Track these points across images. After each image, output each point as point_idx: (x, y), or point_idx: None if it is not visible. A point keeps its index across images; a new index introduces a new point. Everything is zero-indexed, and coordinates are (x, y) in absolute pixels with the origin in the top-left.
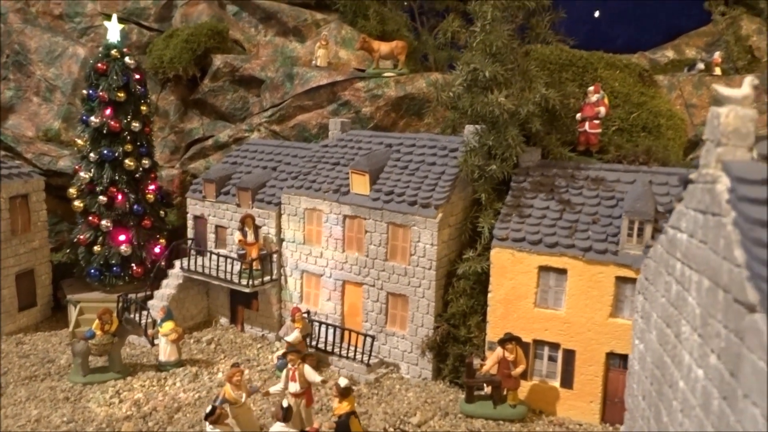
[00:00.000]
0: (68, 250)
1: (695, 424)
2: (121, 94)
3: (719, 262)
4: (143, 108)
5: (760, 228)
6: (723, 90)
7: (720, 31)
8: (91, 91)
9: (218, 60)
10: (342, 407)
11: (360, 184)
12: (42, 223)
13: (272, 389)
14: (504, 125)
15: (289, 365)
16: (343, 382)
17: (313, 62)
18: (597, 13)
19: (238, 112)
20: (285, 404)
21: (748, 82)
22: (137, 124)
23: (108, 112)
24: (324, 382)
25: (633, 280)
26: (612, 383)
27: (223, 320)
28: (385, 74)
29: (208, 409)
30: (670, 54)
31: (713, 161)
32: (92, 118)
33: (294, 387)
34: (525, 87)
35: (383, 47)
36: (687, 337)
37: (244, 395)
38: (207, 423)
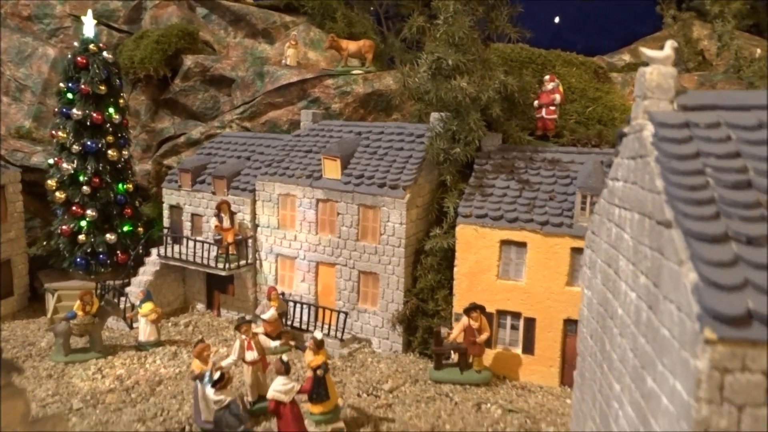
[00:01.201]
0: (45, 242)
1: (630, 340)
2: (103, 87)
3: (645, 195)
4: (121, 101)
5: (676, 160)
6: (648, 52)
7: (671, 33)
8: (70, 84)
9: (189, 60)
10: (317, 359)
11: (332, 169)
12: (18, 214)
13: (224, 363)
14: (466, 110)
15: (243, 336)
16: (318, 335)
17: (283, 62)
18: (557, 20)
19: (209, 111)
20: (285, 359)
21: (669, 44)
22: (117, 117)
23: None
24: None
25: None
26: (569, 348)
27: (200, 306)
28: (354, 72)
29: (217, 375)
30: (626, 57)
31: (641, 113)
32: (75, 111)
33: (251, 355)
34: (485, 75)
35: (351, 46)
36: (623, 269)
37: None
38: (213, 390)
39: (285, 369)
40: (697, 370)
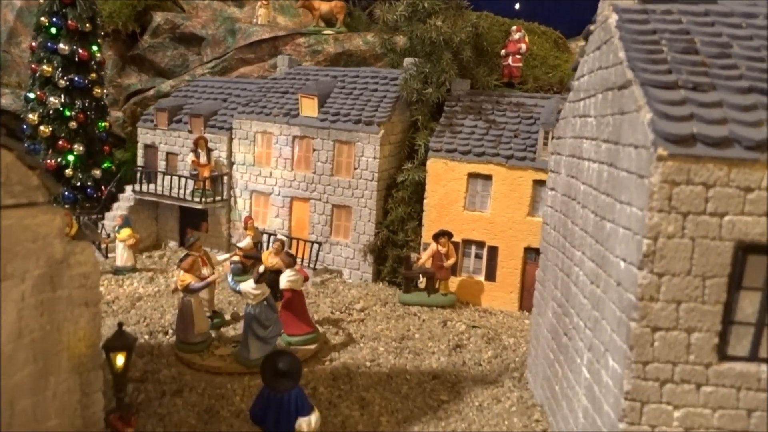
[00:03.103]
0: None
1: (591, 203)
2: (89, 25)
3: (609, 71)
4: (100, 40)
5: (636, 34)
6: None
7: None
8: (55, 19)
9: (159, 17)
10: (271, 262)
11: (309, 107)
12: None
13: (220, 257)
14: (440, 51)
15: (195, 253)
16: (282, 239)
17: (254, 21)
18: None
19: (178, 69)
20: (261, 270)
21: None
22: (99, 55)
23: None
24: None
25: (545, 182)
26: (528, 275)
27: (173, 243)
28: (325, 32)
29: (261, 269)
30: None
31: (606, 7)
32: (62, 45)
33: (207, 271)
34: (458, 18)
35: (323, 6)
36: (587, 148)
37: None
38: (254, 284)
39: (292, 261)
40: (651, 184)
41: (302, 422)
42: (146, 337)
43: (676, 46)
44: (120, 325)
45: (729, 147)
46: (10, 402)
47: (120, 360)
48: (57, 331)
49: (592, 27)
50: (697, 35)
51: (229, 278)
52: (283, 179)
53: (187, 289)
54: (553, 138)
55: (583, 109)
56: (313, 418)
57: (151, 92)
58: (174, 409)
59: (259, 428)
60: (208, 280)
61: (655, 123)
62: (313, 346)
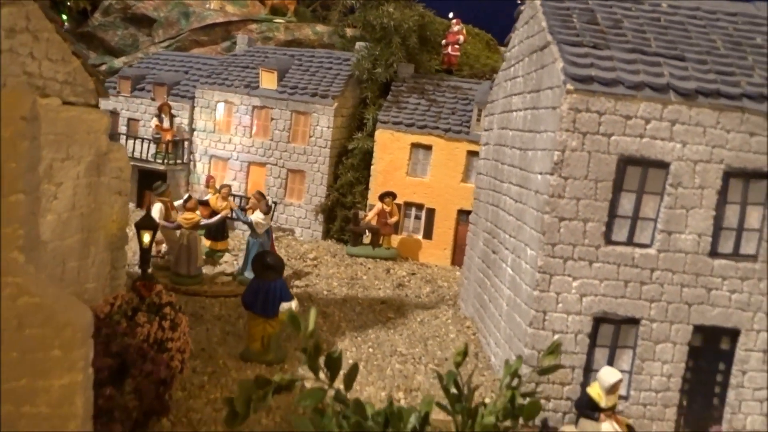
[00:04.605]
0: None
1: (518, 143)
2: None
3: (533, 39)
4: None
5: (554, 9)
6: None
7: None
8: None
9: None
10: (220, 206)
11: (268, 80)
12: None
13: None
14: (390, 36)
15: (166, 198)
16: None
17: (206, 6)
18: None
19: (128, 48)
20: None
21: None
22: (67, 25)
23: None
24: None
25: (477, 154)
26: (460, 235)
27: (131, 205)
28: (276, 20)
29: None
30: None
31: None
32: None
33: (175, 215)
34: (407, 8)
35: None
36: (515, 102)
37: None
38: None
39: (267, 209)
40: (561, 111)
41: (285, 306)
42: None
43: (582, 18)
44: (148, 209)
45: (616, 86)
46: (63, 260)
47: (146, 237)
48: (98, 210)
49: (521, 7)
50: (599, 12)
51: (239, 213)
52: (242, 145)
53: (197, 225)
54: (487, 103)
55: (513, 72)
56: (294, 303)
57: (103, 68)
58: None
59: (248, 312)
60: (220, 215)
61: (566, 69)
62: None
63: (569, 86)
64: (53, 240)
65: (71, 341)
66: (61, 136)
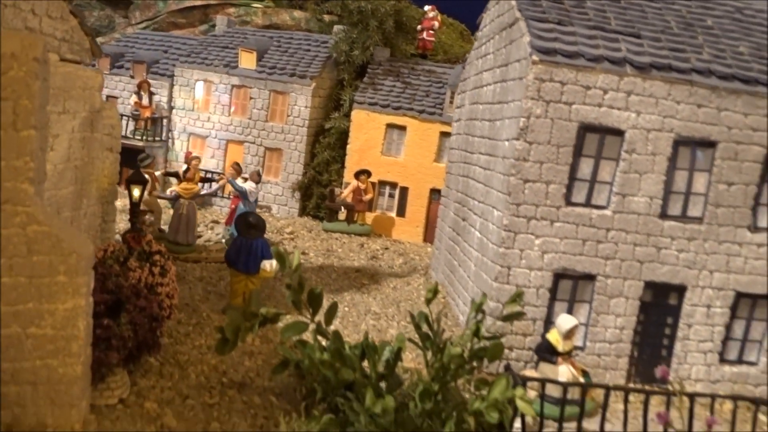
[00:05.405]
0: None
1: (488, 115)
2: None
3: (503, 17)
4: None
5: None
6: None
7: None
8: None
9: None
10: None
11: (248, 60)
12: None
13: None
14: (367, 19)
15: (150, 170)
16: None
17: None
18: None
19: (104, 30)
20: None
21: None
22: None
23: None
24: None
25: (450, 135)
26: (432, 213)
27: None
28: (254, 5)
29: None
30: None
31: None
32: None
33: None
34: None
35: None
36: (486, 77)
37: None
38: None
39: (258, 178)
40: (527, 80)
41: (266, 263)
42: None
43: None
44: (139, 162)
45: (577, 59)
46: (58, 209)
47: (136, 192)
48: (91, 164)
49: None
50: None
51: (234, 182)
52: (220, 123)
53: (197, 195)
54: (460, 81)
55: (484, 50)
56: (275, 261)
57: None
58: None
59: (232, 269)
60: (218, 184)
61: (532, 42)
62: None
63: (535, 57)
64: (49, 189)
65: (76, 268)
66: (58, 90)
